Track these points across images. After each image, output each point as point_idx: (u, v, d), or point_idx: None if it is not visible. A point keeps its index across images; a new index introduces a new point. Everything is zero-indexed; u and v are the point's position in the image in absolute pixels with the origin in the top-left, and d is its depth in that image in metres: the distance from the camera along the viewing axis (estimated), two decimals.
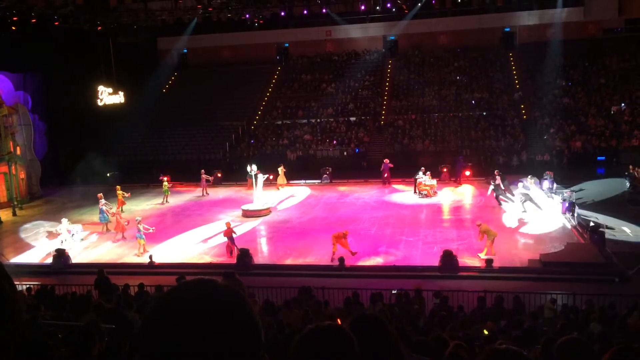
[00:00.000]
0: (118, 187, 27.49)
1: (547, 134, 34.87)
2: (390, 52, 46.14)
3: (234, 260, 19.01)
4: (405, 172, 29.77)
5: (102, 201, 24.00)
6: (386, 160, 30.97)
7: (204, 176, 30.47)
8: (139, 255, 20.55)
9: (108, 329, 8.91)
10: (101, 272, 15.67)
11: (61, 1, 30.23)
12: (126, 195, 26.88)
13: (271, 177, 29.56)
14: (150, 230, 21.11)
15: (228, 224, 20.54)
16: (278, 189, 30.63)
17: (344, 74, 43.95)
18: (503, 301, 12.91)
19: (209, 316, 1.26)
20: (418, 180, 27.84)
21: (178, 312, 1.27)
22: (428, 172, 27.80)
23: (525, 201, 23.61)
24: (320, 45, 46.75)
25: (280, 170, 31.08)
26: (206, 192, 30.60)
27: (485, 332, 9.34)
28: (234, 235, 20.27)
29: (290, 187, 31.23)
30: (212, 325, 1.25)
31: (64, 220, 22.75)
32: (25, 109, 32.78)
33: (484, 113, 37.75)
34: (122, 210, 26.17)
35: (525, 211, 23.39)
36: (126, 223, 22.84)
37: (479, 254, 18.41)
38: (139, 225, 20.58)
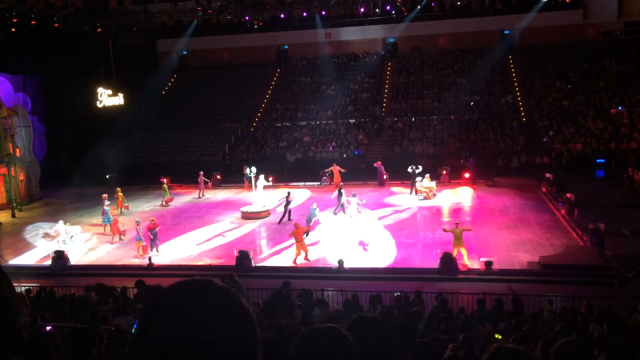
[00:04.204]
0: (118, 189, 27.45)
1: (546, 137, 34.91)
2: (389, 54, 46.21)
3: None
4: (404, 174, 29.72)
5: (107, 202, 24.01)
6: (379, 163, 31.10)
7: (201, 178, 30.47)
8: (138, 257, 20.54)
9: (107, 331, 8.91)
10: (88, 290, 14.80)
11: (61, 3, 30.19)
12: (125, 204, 26.89)
13: (270, 179, 29.49)
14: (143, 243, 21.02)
15: (152, 220, 20.88)
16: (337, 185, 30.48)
17: (344, 76, 44.01)
18: (502, 303, 12.91)
19: (204, 317, 1.25)
20: (416, 182, 27.86)
21: (172, 313, 1.27)
22: (427, 174, 27.77)
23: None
24: (319, 47, 46.78)
25: (334, 169, 30.68)
26: (202, 194, 30.57)
27: (498, 336, 9.27)
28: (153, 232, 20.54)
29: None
30: (207, 326, 1.25)
31: (61, 222, 22.74)
32: (25, 111, 32.75)
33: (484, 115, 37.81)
34: (121, 212, 26.13)
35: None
36: (122, 228, 22.93)
37: (464, 258, 18.22)
38: (137, 227, 20.57)
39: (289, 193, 25.13)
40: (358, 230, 22.01)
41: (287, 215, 24.31)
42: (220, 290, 1.32)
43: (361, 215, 24.06)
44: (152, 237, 20.68)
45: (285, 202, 24.70)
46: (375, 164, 31.21)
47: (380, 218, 24.54)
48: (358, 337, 1.94)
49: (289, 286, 13.91)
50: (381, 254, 19.80)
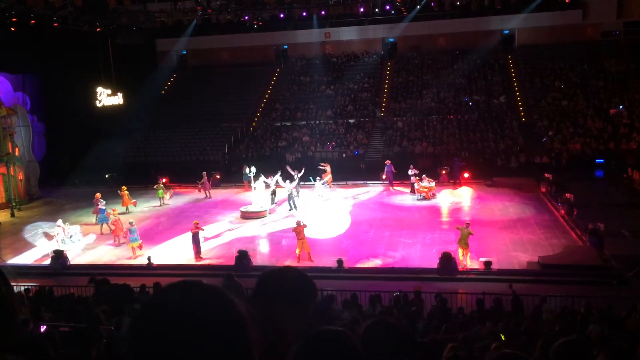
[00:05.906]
0: (124, 187, 27.37)
1: (545, 137, 34.92)
2: (389, 54, 46.18)
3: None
4: (403, 174, 29.71)
5: (102, 202, 23.97)
6: (387, 162, 30.76)
7: (206, 178, 30.37)
8: (133, 258, 20.45)
9: (107, 331, 8.90)
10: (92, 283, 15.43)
11: (60, 2, 30.16)
12: (132, 200, 26.86)
13: (270, 178, 29.40)
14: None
15: (196, 223, 20.43)
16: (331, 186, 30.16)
17: (343, 76, 44.00)
18: (502, 303, 12.92)
19: (194, 317, 1.26)
20: (415, 181, 27.82)
21: (163, 314, 1.28)
22: (424, 175, 27.75)
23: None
24: (319, 47, 46.76)
25: (327, 168, 30.56)
26: (209, 194, 30.43)
27: (502, 337, 9.22)
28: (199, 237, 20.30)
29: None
30: (198, 326, 1.26)
31: (60, 221, 22.72)
32: (24, 110, 32.74)
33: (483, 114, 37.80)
34: (127, 210, 26.08)
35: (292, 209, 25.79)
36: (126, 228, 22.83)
37: (467, 260, 18.15)
38: (131, 228, 20.43)
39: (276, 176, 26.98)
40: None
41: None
42: (210, 291, 1.33)
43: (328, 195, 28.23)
44: (194, 242, 20.09)
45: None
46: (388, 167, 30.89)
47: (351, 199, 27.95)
48: (373, 342, 1.92)
49: (334, 299, 13.54)
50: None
